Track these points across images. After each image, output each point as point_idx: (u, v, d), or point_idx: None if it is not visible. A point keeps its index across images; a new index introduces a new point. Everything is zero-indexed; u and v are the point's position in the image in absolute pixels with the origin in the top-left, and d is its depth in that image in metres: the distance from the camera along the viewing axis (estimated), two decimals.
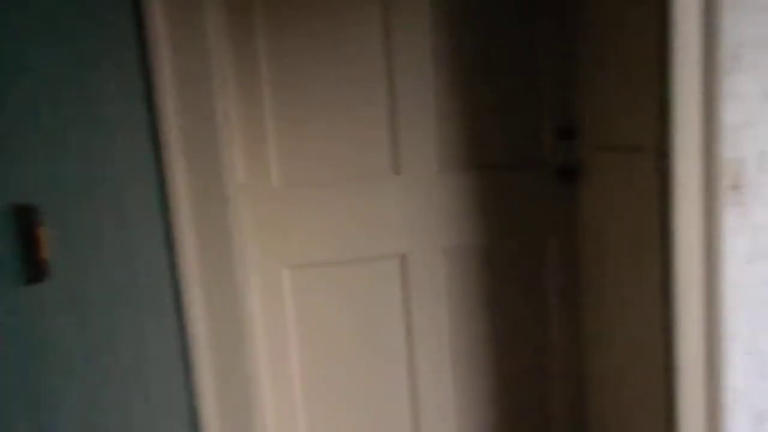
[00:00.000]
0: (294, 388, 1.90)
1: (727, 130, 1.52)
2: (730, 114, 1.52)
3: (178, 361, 1.32)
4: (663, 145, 1.52)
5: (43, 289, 0.84)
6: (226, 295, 1.38)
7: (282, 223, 1.81)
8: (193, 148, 1.28)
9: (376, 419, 1.97)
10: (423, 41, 1.83)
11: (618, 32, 1.69)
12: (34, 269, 0.80)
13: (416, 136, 1.86)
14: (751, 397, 1.63)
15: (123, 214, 1.11)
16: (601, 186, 1.86)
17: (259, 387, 1.69)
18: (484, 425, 2.03)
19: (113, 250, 1.07)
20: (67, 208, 0.92)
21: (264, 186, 1.79)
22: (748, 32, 1.51)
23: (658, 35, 1.50)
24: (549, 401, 2.05)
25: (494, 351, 2.00)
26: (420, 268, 1.91)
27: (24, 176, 0.82)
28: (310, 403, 1.92)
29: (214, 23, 1.35)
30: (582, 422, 2.05)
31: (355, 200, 1.85)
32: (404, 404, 1.97)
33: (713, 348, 1.54)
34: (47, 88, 0.92)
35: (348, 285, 1.89)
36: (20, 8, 0.87)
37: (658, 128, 1.53)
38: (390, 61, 1.82)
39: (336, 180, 1.84)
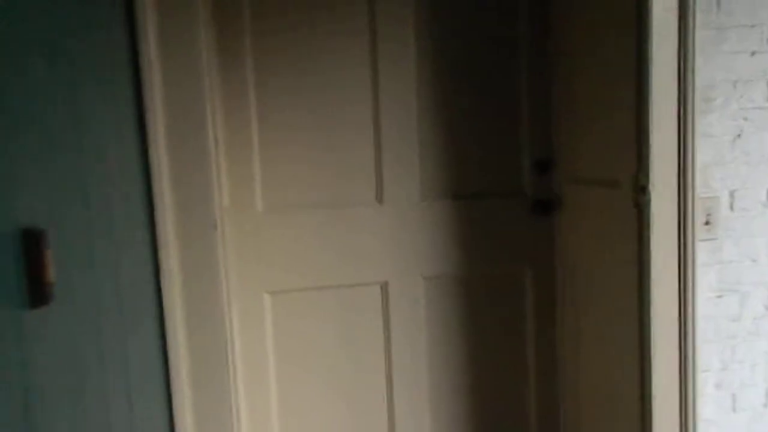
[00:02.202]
0: (272, 413, 1.87)
1: (701, 169, 1.58)
2: (703, 153, 1.59)
3: (160, 387, 1.29)
4: (641, 180, 1.57)
5: (46, 312, 0.82)
6: (208, 321, 1.35)
7: (265, 248, 1.80)
8: (183, 175, 1.27)
9: None
10: (408, 72, 1.86)
11: (595, 70, 1.75)
12: (40, 293, 0.78)
13: (399, 165, 1.88)
14: (722, 430, 1.67)
15: (112, 238, 1.09)
16: (577, 218, 1.90)
17: (238, 413, 1.66)
18: None
19: (102, 274, 1.05)
20: (63, 231, 0.91)
21: (248, 211, 1.78)
22: (718, 75, 1.59)
23: (635, 75, 1.56)
24: (525, 428, 2.06)
25: (471, 378, 2.01)
26: (401, 296, 1.91)
27: (26, 200, 0.81)
28: (286, 426, 1.89)
29: (205, 48, 1.35)
30: None
31: (339, 227, 1.85)
32: (382, 428, 1.96)
33: (686, 380, 1.58)
34: (38, 114, 0.91)
35: (329, 311, 1.88)
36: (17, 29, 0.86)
37: (636, 164, 1.58)
38: (375, 90, 1.85)
39: (320, 206, 1.84)
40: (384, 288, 1.90)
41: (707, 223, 1.61)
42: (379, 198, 1.88)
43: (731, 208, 1.62)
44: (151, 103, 1.23)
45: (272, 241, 1.81)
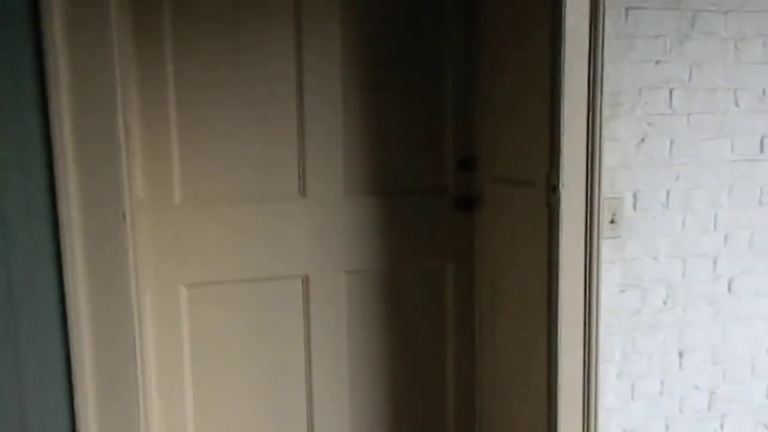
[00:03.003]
0: (187, 409, 1.85)
1: (608, 171, 1.67)
2: (610, 156, 1.68)
3: (60, 390, 1.25)
4: (552, 180, 1.64)
5: None
6: (115, 317, 1.32)
7: (182, 241, 1.77)
8: (90, 163, 1.23)
9: None
10: (333, 67, 1.87)
11: (514, 73, 1.81)
12: None
13: (323, 160, 1.89)
14: (622, 416, 1.77)
15: (5, 228, 1.04)
16: (495, 216, 1.97)
17: (147, 409, 1.63)
18: None
19: None
20: None
21: (166, 203, 1.74)
22: (626, 82, 1.68)
23: (549, 80, 1.63)
24: (442, 419, 2.11)
25: (391, 372, 2.04)
26: (322, 289, 1.92)
27: None
28: (202, 423, 1.87)
29: (119, 33, 1.31)
30: None
31: (261, 220, 1.84)
32: (301, 423, 1.97)
33: (590, 370, 1.67)
34: None
35: (249, 304, 1.87)
36: None
37: (548, 166, 1.65)
38: (300, 85, 1.84)
39: (241, 200, 1.82)
40: (305, 282, 1.91)
41: (612, 222, 1.71)
42: (303, 192, 1.88)
43: (634, 208, 1.72)
44: (55, 88, 1.19)
45: (190, 235, 1.78)
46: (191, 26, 1.72)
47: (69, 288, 1.23)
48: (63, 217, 1.21)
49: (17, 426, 1.11)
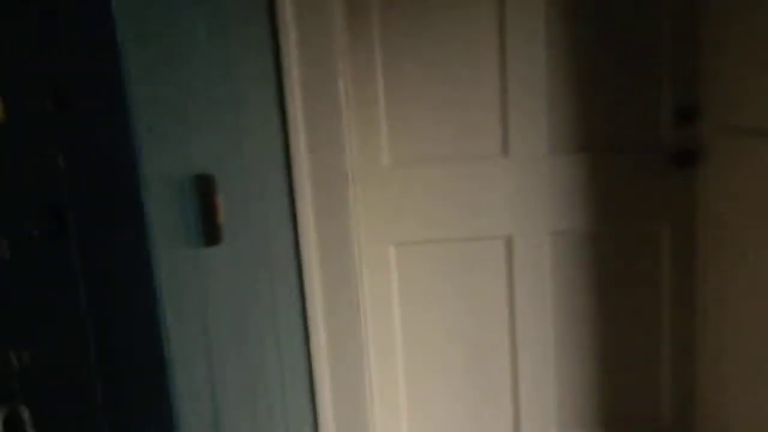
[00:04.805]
0: (397, 359, 1.95)
1: None
2: None
3: (300, 326, 1.39)
4: None
5: (215, 251, 0.91)
6: (341, 267, 1.43)
7: (390, 201, 1.84)
8: (316, 127, 1.33)
9: (476, 396, 1.98)
10: (536, 21, 1.77)
11: (748, 10, 1.56)
12: (212, 233, 0.87)
13: (526, 117, 1.82)
14: None
15: (264, 186, 1.17)
16: (724, 171, 1.75)
17: (367, 353, 1.74)
18: (585, 410, 1.99)
19: (256, 221, 1.14)
20: (228, 179, 0.99)
21: (375, 165, 1.82)
22: None
23: None
24: (656, 395, 1.98)
25: (598, 338, 1.95)
26: (525, 250, 1.88)
27: (200, 149, 0.89)
28: (410, 373, 1.97)
29: (336, 7, 1.38)
30: (691, 420, 1.97)
31: (463, 181, 1.84)
32: (505, 385, 1.97)
33: None
34: (203, 73, 0.98)
35: (453, 264, 1.90)
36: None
37: None
38: (502, 42, 1.78)
39: (444, 160, 1.84)
40: (508, 242, 1.88)
41: None
42: (505, 151, 1.84)
43: None
44: (288, 60, 1.28)
45: (397, 195, 1.84)
46: None
47: (303, 245, 1.35)
48: (295, 177, 1.32)
49: (276, 359, 1.26)
